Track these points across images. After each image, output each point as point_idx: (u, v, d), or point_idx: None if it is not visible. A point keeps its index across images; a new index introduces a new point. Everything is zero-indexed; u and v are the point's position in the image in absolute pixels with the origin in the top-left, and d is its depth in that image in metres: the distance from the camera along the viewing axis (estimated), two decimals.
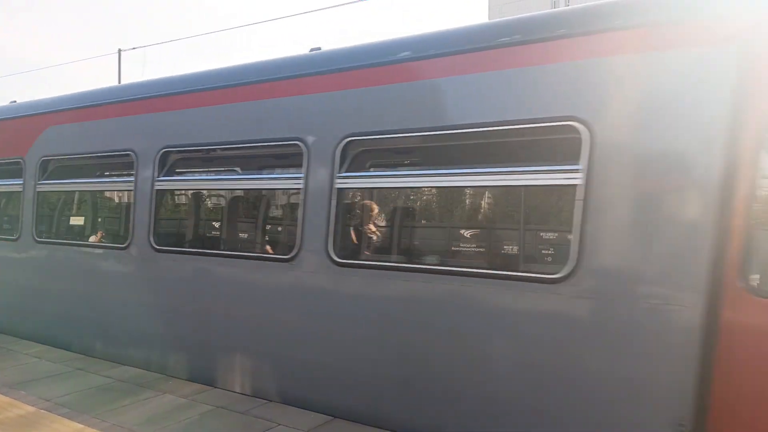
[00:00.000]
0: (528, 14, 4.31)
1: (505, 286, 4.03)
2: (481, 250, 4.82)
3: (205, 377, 5.47)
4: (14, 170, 7.45)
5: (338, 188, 4.76)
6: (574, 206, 3.72)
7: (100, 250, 6.86)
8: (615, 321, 3.61)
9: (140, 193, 6.15)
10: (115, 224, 7.26)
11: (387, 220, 5.32)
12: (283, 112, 5.17)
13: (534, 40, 4.00)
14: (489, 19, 18.21)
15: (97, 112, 6.84)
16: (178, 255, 5.98)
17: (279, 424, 4.49)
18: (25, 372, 5.87)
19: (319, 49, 5.49)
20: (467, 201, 5.14)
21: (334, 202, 4.74)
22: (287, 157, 5.17)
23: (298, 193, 4.99)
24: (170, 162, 6.06)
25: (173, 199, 6.63)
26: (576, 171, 3.74)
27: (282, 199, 5.85)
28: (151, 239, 5.99)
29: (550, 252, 4.37)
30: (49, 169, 7.35)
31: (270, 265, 5.25)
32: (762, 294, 3.20)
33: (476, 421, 4.10)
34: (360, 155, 4.80)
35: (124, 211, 6.83)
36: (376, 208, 5.29)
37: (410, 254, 5.19)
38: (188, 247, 6.20)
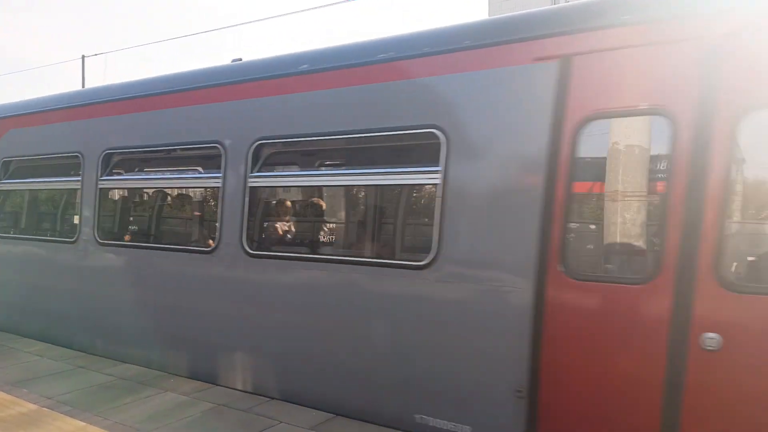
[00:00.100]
0: (403, 33, 4.83)
1: (383, 273, 4.60)
2: (366, 241, 5.39)
3: (142, 359, 6.03)
4: None
5: (250, 186, 5.30)
6: (435, 203, 4.27)
7: (53, 244, 7.40)
8: (466, 301, 4.17)
9: (86, 192, 6.70)
10: (68, 221, 7.78)
11: (292, 216, 5.87)
12: (205, 117, 5.70)
13: (404, 57, 4.53)
14: (489, 13, 18.10)
15: (51, 117, 7.37)
16: (119, 248, 6.52)
17: (280, 422, 4.51)
18: (26, 370, 5.87)
19: (240, 59, 6.02)
20: (355, 198, 5.71)
21: (246, 199, 5.29)
22: (209, 159, 5.70)
23: (218, 191, 5.53)
24: (112, 163, 6.60)
25: (114, 197, 7.14)
26: (436, 172, 4.28)
27: (206, 197, 6.37)
28: (96, 234, 6.54)
29: (420, 243, 4.92)
30: (10, 169, 7.90)
31: (195, 256, 5.80)
32: (576, 276, 3.76)
33: (363, 389, 4.67)
34: (270, 157, 5.33)
35: (74, 208, 7.38)
36: (282, 205, 5.84)
37: (310, 246, 5.75)
38: (127, 241, 6.73)
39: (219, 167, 5.50)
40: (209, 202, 6.12)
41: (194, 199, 6.67)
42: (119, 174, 6.63)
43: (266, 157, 5.32)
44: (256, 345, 5.28)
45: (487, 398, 4.13)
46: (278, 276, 5.14)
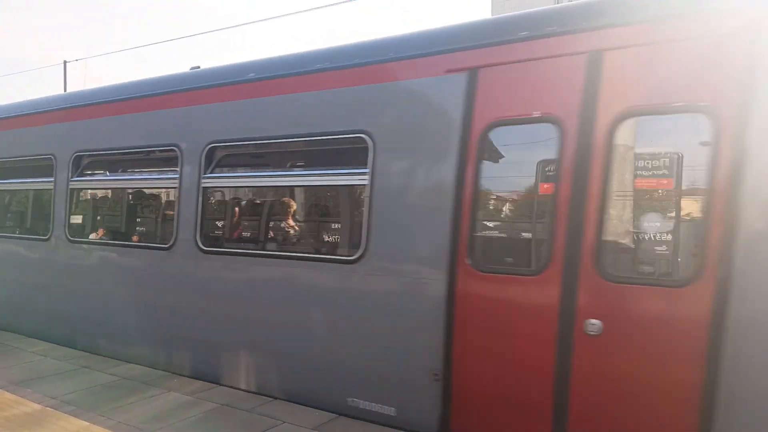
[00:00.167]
0: (337, 45, 5.19)
1: (320, 267, 4.97)
2: (305, 238, 5.76)
3: (107, 349, 6.41)
4: None
5: (204, 187, 5.67)
6: (364, 202, 4.64)
7: (28, 242, 7.78)
8: (390, 292, 4.54)
9: (58, 192, 7.08)
10: (43, 219, 8.15)
11: (241, 214, 6.24)
12: (164, 122, 6.07)
13: (337, 67, 4.89)
14: (492, 14, 17.91)
15: (26, 121, 7.77)
16: (87, 245, 6.90)
17: (284, 422, 4.53)
18: (30, 370, 5.88)
19: (198, 67, 6.39)
20: (297, 198, 6.08)
21: (200, 199, 5.66)
22: (168, 161, 6.07)
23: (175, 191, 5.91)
24: (83, 164, 6.98)
25: (84, 197, 7.51)
26: (364, 174, 4.65)
27: (165, 197, 6.73)
28: (66, 232, 6.92)
29: (353, 239, 5.29)
30: None
31: (155, 253, 6.17)
32: (481, 269, 4.12)
33: (303, 374, 5.05)
34: (222, 159, 5.70)
35: (47, 207, 7.77)
36: (232, 204, 6.21)
37: (256, 242, 6.11)
38: (84, 238, 7.11)
39: (176, 169, 5.88)
40: (168, 201, 6.48)
41: (155, 199, 7.05)
42: (89, 175, 7.02)
43: (218, 159, 5.70)
44: (209, 335, 5.65)
45: (408, 382, 4.49)
46: (228, 270, 5.51)
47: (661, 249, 3.71)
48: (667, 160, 3.67)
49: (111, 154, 6.75)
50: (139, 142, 6.40)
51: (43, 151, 7.39)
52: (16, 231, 8.57)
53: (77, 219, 7.17)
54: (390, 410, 4.59)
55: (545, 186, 3.99)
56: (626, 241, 3.80)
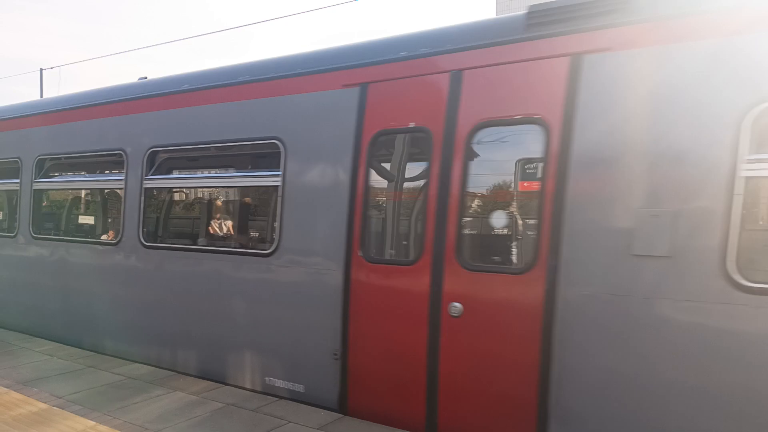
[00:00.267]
0: (257, 59, 5.75)
1: (242, 260, 5.53)
2: (231, 234, 6.33)
3: (59, 336, 6.98)
4: None
5: (145, 188, 6.24)
6: (277, 202, 5.20)
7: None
8: (298, 282, 5.09)
9: (24, 193, 7.66)
10: (13, 218, 8.73)
11: (176, 212, 6.80)
12: (112, 128, 6.64)
13: (255, 80, 5.46)
14: (497, 13, 18.11)
15: None
16: (47, 241, 7.47)
17: (289, 422, 4.55)
18: (37, 369, 5.92)
19: (146, 78, 6.97)
20: (224, 197, 6.65)
21: (142, 198, 6.23)
22: (116, 164, 6.64)
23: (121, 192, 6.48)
24: (45, 167, 7.56)
25: (47, 197, 8.07)
26: (277, 176, 5.21)
27: (114, 197, 7.29)
28: (31, 229, 7.50)
29: (270, 235, 5.84)
30: None
31: (104, 249, 6.74)
32: (370, 260, 4.67)
33: (227, 357, 5.60)
34: (162, 162, 6.27)
35: (15, 206, 8.35)
36: (170, 203, 6.78)
37: (189, 238, 6.67)
38: (53, 236, 7.68)
39: (123, 171, 6.44)
40: (116, 201, 7.04)
41: (106, 199, 7.62)
42: (51, 177, 7.59)
43: (158, 162, 6.26)
44: (151, 323, 6.21)
45: (314, 361, 5.04)
46: (165, 264, 6.07)
47: (506, 241, 4.25)
48: (509, 164, 4.22)
49: (69, 157, 7.33)
50: (92, 147, 6.97)
51: (11, 155, 7.97)
52: None
53: (40, 218, 7.75)
54: (300, 387, 5.15)
55: (419, 186, 4.55)
56: (479, 234, 4.34)
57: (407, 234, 4.71)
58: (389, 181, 4.79)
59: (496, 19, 4.38)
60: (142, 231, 6.23)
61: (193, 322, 5.84)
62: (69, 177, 7.67)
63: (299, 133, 5.13)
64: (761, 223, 3.54)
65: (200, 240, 6.27)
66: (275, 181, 5.25)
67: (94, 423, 4.50)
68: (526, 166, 4.19)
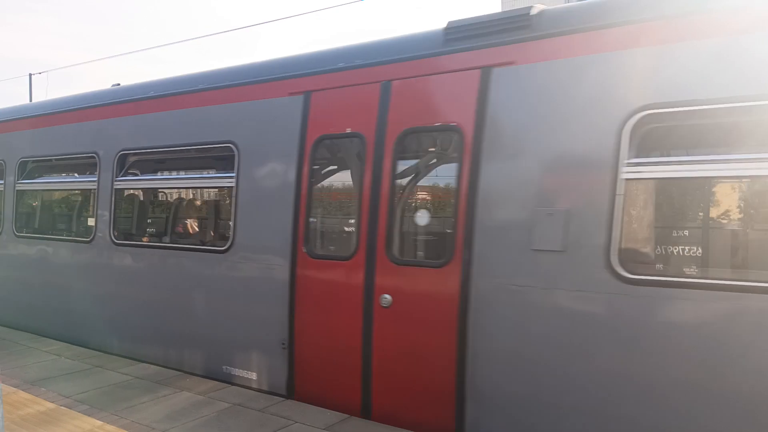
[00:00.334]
0: (213, 69, 6.13)
1: (201, 257, 5.92)
2: (193, 232, 6.71)
3: (40, 329, 7.38)
4: None
5: (116, 188, 6.64)
6: (232, 202, 5.58)
7: None
8: (251, 277, 5.46)
9: (7, 193, 8.08)
10: None
11: (144, 212, 7.20)
12: (86, 132, 7.04)
13: (212, 88, 5.84)
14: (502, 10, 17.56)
15: None
16: (29, 239, 7.88)
17: (295, 422, 4.56)
18: (44, 369, 5.96)
19: (119, 84, 7.37)
20: (186, 197, 7.05)
21: (113, 199, 6.62)
22: (90, 166, 7.04)
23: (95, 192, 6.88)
24: (27, 169, 7.98)
25: (29, 197, 8.47)
26: (232, 177, 5.59)
27: (88, 197, 7.68)
28: (14, 228, 7.92)
29: (226, 233, 6.22)
30: None
31: (78, 246, 7.14)
32: (312, 256, 5.05)
33: (188, 347, 5.97)
34: (131, 164, 6.66)
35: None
36: (137, 203, 7.17)
37: (154, 236, 7.05)
38: (27, 233, 8.08)
39: (96, 173, 6.84)
40: (90, 201, 7.43)
41: (81, 199, 8.03)
42: (32, 178, 8.00)
43: (128, 164, 6.66)
44: (120, 315, 6.60)
45: (265, 350, 5.42)
46: (133, 260, 6.46)
47: (428, 237, 4.62)
48: (430, 167, 4.59)
49: (47, 159, 7.74)
50: (69, 150, 7.38)
51: None
52: None
53: (22, 217, 8.16)
54: (252, 375, 5.52)
55: (355, 187, 4.92)
56: (405, 231, 4.71)
57: (345, 231, 5.08)
58: (329, 182, 5.17)
59: (420, 34, 4.73)
60: (113, 229, 6.62)
61: (159, 315, 6.23)
62: (49, 178, 8.08)
63: (251, 138, 5.51)
64: (639, 220, 3.89)
65: (164, 238, 6.66)
66: (230, 183, 5.63)
67: (102, 423, 4.52)
68: (445, 170, 4.56)
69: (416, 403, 4.53)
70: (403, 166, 4.62)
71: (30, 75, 28.01)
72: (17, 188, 7.99)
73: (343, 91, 4.91)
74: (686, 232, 3.82)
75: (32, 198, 8.24)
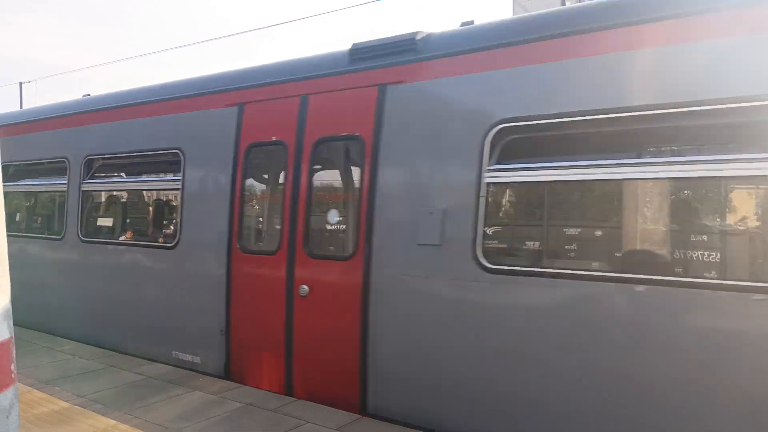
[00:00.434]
0: (167, 81, 6.74)
1: (152, 252, 6.53)
2: (147, 230, 7.33)
3: (18, 320, 7.99)
4: None
5: (83, 190, 7.26)
6: (179, 202, 6.19)
7: None
8: (196, 270, 6.06)
9: None
10: None
11: (108, 211, 7.82)
12: (58, 139, 7.68)
13: (163, 99, 6.45)
14: (513, 13, 17.72)
15: None
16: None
17: (308, 422, 4.59)
18: (59, 368, 6.02)
19: (89, 95, 8.00)
20: (142, 198, 7.69)
21: (81, 199, 7.25)
22: (62, 170, 7.66)
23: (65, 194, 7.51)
24: (9, 172, 8.61)
25: (8, 199, 9.11)
26: (179, 180, 6.19)
27: (59, 198, 8.30)
28: None
29: (175, 230, 6.82)
30: None
31: (50, 242, 7.76)
32: (245, 251, 5.64)
33: (143, 335, 6.57)
34: (96, 168, 7.28)
35: None
36: (102, 203, 7.80)
37: (114, 233, 7.65)
38: (11, 231, 8.71)
39: (66, 176, 7.47)
40: (61, 202, 8.06)
41: (53, 200, 8.66)
42: (10, 181, 8.64)
43: (94, 168, 7.28)
44: (87, 306, 7.21)
45: (207, 337, 6.01)
46: (98, 255, 7.08)
47: (338, 234, 5.20)
48: (340, 172, 5.18)
49: (26, 164, 8.38)
50: (42, 155, 8.02)
51: None
52: None
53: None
54: (197, 359, 6.12)
55: (278, 190, 5.51)
56: (320, 228, 5.29)
57: (271, 229, 5.66)
58: (258, 185, 5.76)
59: (331, 54, 5.30)
60: (81, 227, 7.25)
61: (119, 305, 6.84)
62: (25, 181, 8.71)
63: (194, 145, 6.11)
64: (498, 218, 4.45)
65: (122, 235, 7.28)
66: (177, 185, 6.23)
67: (115, 422, 4.55)
68: (350, 174, 5.14)
69: (329, 380, 5.11)
70: (317, 170, 5.21)
71: (20, 83, 28.82)
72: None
73: (270, 104, 5.50)
74: (535, 230, 4.39)
75: (11, 199, 8.88)
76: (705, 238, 3.58)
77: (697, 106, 3.43)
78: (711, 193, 3.70)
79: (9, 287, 2.59)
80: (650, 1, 3.78)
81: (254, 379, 5.59)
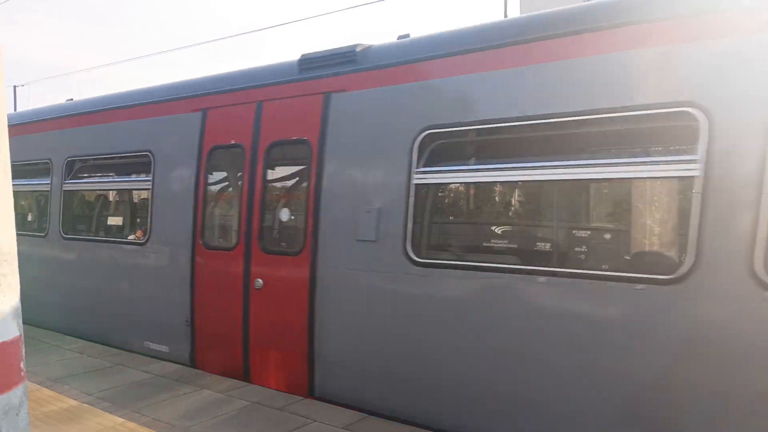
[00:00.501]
0: (139, 88, 7.15)
1: (126, 249, 6.93)
2: (122, 228, 7.74)
3: None
4: None
5: (64, 190, 7.67)
6: (150, 201, 6.59)
7: None
8: (164, 264, 6.46)
9: None
10: None
11: (88, 210, 8.23)
12: (42, 142, 8.10)
13: (134, 105, 6.85)
14: (521, 11, 17.85)
15: None
16: None
17: (314, 421, 4.60)
18: (68, 367, 6.07)
19: (72, 99, 8.42)
20: (116, 197, 8.11)
21: (62, 199, 7.66)
22: (44, 171, 8.08)
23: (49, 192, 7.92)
24: None
25: None
26: (149, 181, 6.59)
27: (45, 196, 8.72)
28: None
29: (146, 228, 7.22)
30: None
31: (34, 239, 8.18)
32: (207, 247, 6.03)
33: (115, 326, 6.98)
34: (77, 169, 7.70)
35: None
36: (82, 202, 8.22)
37: (92, 232, 8.07)
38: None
39: (49, 177, 7.89)
40: (45, 201, 8.47)
41: (38, 199, 9.08)
42: None
43: (74, 169, 7.70)
44: (68, 299, 7.63)
45: (174, 327, 6.40)
46: (79, 252, 7.49)
47: (289, 231, 5.59)
48: (291, 174, 5.58)
49: (12, 165, 8.77)
50: (29, 157, 8.44)
51: None
52: None
53: None
54: (165, 348, 6.52)
55: (236, 189, 5.90)
56: (273, 225, 5.68)
57: (230, 226, 6.06)
58: (220, 185, 6.16)
59: (284, 63, 5.68)
60: (62, 225, 7.66)
61: (97, 298, 7.25)
62: (15, 181, 9.11)
63: (163, 147, 6.51)
64: (424, 216, 4.83)
65: (99, 233, 7.69)
66: (148, 185, 6.64)
67: (123, 420, 4.59)
68: (300, 175, 5.53)
69: (281, 366, 5.50)
70: (271, 171, 5.60)
71: (14, 87, 29.34)
72: None
73: (230, 109, 5.90)
74: (456, 227, 4.77)
75: None
76: (587, 234, 3.96)
77: (576, 116, 3.83)
78: (595, 194, 4.09)
79: (18, 286, 2.59)
80: (530, 25, 4.20)
81: (216, 367, 5.99)
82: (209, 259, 6.04)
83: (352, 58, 5.05)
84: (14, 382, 2.45)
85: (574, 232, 4.04)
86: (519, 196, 4.42)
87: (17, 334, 2.48)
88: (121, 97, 7.28)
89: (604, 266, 3.90)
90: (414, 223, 4.56)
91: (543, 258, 4.20)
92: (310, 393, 5.26)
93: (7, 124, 2.34)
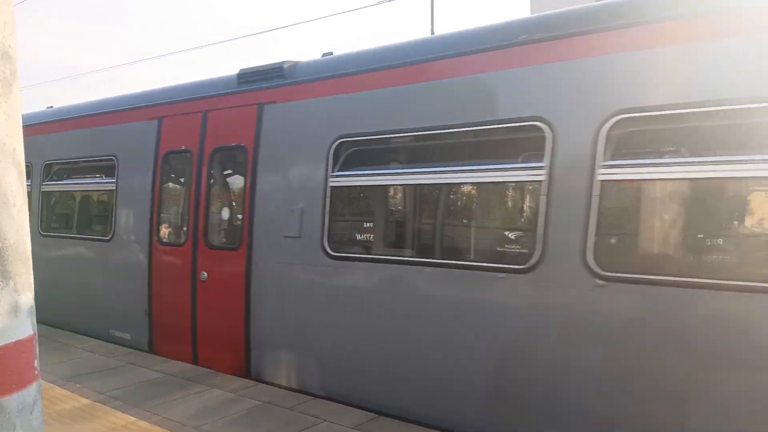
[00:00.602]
0: (109, 96, 7.75)
1: (94, 244, 7.54)
2: (91, 226, 8.35)
3: None
4: None
5: (42, 191, 8.30)
6: (114, 201, 7.20)
7: None
8: (126, 259, 7.06)
9: None
10: None
11: (66, 209, 8.86)
12: (31, 146, 8.70)
13: (100, 113, 7.46)
14: (531, 11, 17.80)
15: None
16: None
17: (324, 421, 4.64)
18: (79, 365, 6.13)
19: (52, 107, 9.05)
20: (87, 197, 8.73)
21: (41, 199, 8.28)
22: (27, 174, 8.69)
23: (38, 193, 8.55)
24: None
25: None
26: (113, 182, 7.20)
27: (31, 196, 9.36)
28: None
29: (110, 226, 7.82)
30: None
31: None
32: (161, 243, 6.63)
33: (87, 316, 7.58)
34: (54, 172, 8.33)
35: None
36: (60, 202, 8.84)
37: (71, 229, 8.67)
38: None
39: (30, 179, 8.51)
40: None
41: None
42: None
43: (51, 172, 8.32)
44: (45, 292, 8.20)
45: (135, 317, 7.00)
46: (55, 248, 8.11)
47: (229, 228, 6.18)
48: (229, 176, 6.16)
49: None
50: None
51: None
52: None
53: None
54: (127, 336, 7.12)
55: (186, 190, 6.50)
56: (216, 223, 6.27)
57: (180, 224, 6.66)
58: (172, 186, 6.76)
59: (226, 77, 6.26)
60: (41, 223, 8.28)
61: (70, 290, 7.86)
62: None
63: (125, 152, 7.12)
64: (339, 215, 5.40)
65: (72, 230, 8.31)
66: (113, 186, 7.25)
67: (135, 419, 4.64)
68: (239, 178, 6.12)
69: (223, 351, 6.08)
70: (214, 175, 6.19)
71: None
72: None
73: (181, 118, 6.49)
74: (364, 224, 5.34)
75: None
76: (464, 230, 4.52)
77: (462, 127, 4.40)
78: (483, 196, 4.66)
79: (32, 285, 2.61)
80: (414, 49, 4.79)
81: (170, 353, 6.58)
82: (163, 254, 6.63)
83: (280, 73, 5.63)
84: (28, 381, 2.40)
85: (453, 229, 4.59)
86: (411, 197, 5.00)
87: (31, 332, 2.45)
88: (92, 105, 7.89)
89: (478, 258, 4.46)
90: (330, 221, 5.13)
91: (429, 251, 4.78)
92: (247, 374, 5.84)
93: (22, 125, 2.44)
